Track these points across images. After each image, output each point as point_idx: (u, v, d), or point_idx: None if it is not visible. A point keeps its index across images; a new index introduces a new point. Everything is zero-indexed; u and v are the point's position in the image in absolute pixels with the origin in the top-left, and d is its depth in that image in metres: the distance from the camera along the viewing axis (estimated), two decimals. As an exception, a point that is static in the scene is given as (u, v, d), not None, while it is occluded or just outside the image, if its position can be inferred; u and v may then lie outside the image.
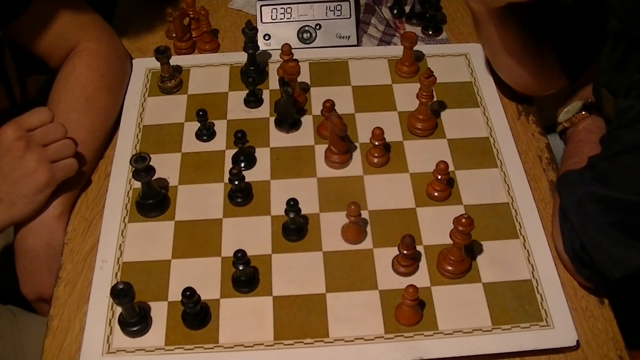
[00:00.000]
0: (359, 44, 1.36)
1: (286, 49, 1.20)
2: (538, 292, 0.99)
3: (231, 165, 1.13)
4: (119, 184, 1.13)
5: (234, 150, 1.15)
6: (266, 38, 1.35)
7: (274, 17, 1.35)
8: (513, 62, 1.15)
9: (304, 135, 1.20)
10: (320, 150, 1.17)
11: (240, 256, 0.95)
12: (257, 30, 1.25)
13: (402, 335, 0.95)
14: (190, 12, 1.33)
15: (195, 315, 0.95)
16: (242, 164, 1.14)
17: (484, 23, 1.11)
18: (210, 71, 1.31)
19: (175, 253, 1.04)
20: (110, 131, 1.20)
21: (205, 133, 1.19)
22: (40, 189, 1.03)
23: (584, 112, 1.14)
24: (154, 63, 1.26)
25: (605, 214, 0.91)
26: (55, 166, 1.04)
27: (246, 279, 0.99)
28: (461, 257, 1.00)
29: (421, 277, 1.01)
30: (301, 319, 0.97)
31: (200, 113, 1.16)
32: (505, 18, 1.08)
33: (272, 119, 1.22)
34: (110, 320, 0.97)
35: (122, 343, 0.95)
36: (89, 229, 1.08)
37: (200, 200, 1.10)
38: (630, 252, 0.89)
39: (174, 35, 1.34)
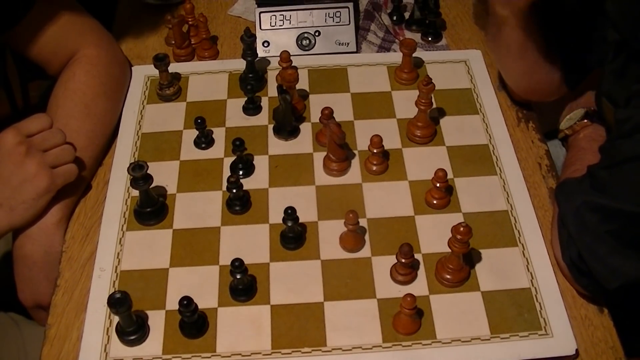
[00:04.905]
0: (358, 50, 1.36)
1: (285, 56, 1.20)
2: (537, 301, 0.99)
3: (229, 173, 1.13)
4: (117, 191, 1.13)
5: (233, 158, 1.15)
6: (265, 45, 1.34)
7: (273, 23, 1.35)
8: (529, 70, 1.15)
9: (303, 142, 1.20)
10: (319, 157, 1.16)
11: (237, 265, 0.95)
12: (255, 38, 1.25)
13: (400, 345, 0.95)
14: (189, 19, 1.33)
15: (193, 324, 0.95)
16: (241, 172, 1.14)
17: (508, 29, 1.10)
18: (209, 78, 1.31)
19: (173, 261, 1.04)
20: (110, 138, 1.20)
21: (204, 141, 1.18)
22: (40, 194, 1.03)
23: (585, 120, 1.14)
24: (152, 70, 1.26)
25: (603, 223, 0.90)
26: (55, 172, 1.04)
27: (244, 287, 0.99)
28: (460, 266, 1.00)
29: (420, 286, 1.01)
30: (299, 328, 0.97)
31: (199, 120, 1.15)
32: (528, 23, 1.07)
33: (270, 127, 1.22)
34: (107, 328, 0.97)
35: (120, 352, 0.95)
36: (87, 237, 1.08)
37: (198, 209, 1.10)
38: (627, 262, 0.89)
39: (173, 42, 1.34)
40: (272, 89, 1.28)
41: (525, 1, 1.03)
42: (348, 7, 1.35)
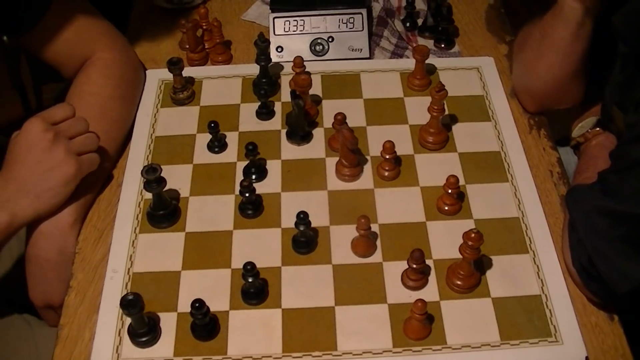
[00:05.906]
0: (371, 56, 1.37)
1: (298, 62, 1.21)
2: (547, 308, 0.99)
3: (242, 177, 1.14)
4: (130, 194, 1.13)
5: (245, 162, 1.15)
6: (279, 50, 1.35)
7: (286, 29, 1.36)
8: (567, 74, 1.14)
9: (315, 147, 1.20)
10: (331, 163, 1.17)
11: (249, 268, 0.95)
12: (269, 43, 1.26)
13: (411, 350, 0.95)
14: (204, 24, 1.34)
15: (204, 326, 0.96)
16: (253, 176, 1.14)
17: (570, 19, 1.08)
18: (222, 83, 1.32)
19: (185, 264, 1.04)
20: (123, 141, 1.21)
21: (217, 145, 1.19)
22: (67, 181, 1.03)
23: (598, 128, 1.14)
24: (166, 74, 1.26)
25: (614, 227, 0.91)
26: (80, 159, 1.05)
27: (255, 291, 0.99)
28: (470, 272, 1.00)
29: (430, 291, 1.01)
30: (310, 332, 0.97)
31: (212, 125, 1.16)
32: (589, 22, 1.07)
33: (283, 131, 1.22)
34: (119, 330, 0.98)
35: (131, 353, 0.96)
36: (100, 239, 1.09)
37: (210, 212, 1.11)
38: (637, 266, 0.89)
39: (187, 46, 1.35)
40: (285, 94, 1.29)
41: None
42: (361, 13, 1.36)
